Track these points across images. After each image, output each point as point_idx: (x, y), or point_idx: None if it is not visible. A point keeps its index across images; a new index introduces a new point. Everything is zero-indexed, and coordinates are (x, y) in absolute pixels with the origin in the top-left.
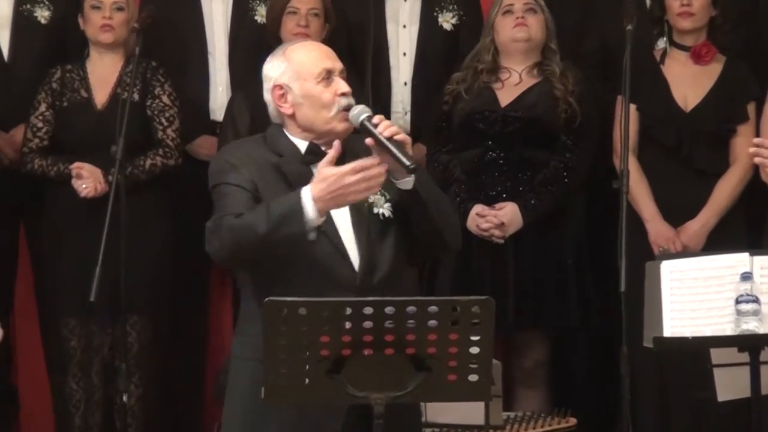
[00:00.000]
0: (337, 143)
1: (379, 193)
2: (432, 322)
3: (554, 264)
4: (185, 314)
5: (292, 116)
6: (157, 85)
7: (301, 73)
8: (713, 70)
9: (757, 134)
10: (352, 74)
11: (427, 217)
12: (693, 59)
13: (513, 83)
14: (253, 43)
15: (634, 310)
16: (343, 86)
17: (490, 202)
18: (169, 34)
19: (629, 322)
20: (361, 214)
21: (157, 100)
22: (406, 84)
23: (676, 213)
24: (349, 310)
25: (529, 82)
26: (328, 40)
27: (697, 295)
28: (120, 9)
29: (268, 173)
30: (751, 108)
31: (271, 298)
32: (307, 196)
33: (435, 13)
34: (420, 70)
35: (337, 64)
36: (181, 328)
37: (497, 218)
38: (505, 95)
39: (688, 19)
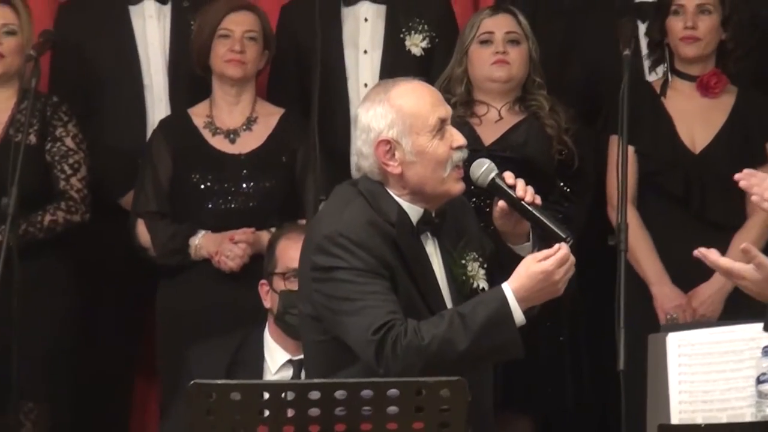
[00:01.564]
0: (564, 249)
1: (472, 259)
2: (392, 409)
3: (546, 338)
4: (98, 401)
5: (400, 175)
6: (58, 125)
7: (414, 126)
8: (724, 103)
9: None
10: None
11: None
12: (700, 91)
13: (492, 119)
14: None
15: (636, 391)
16: (458, 138)
17: None
18: (90, 63)
19: (629, 405)
20: (461, 286)
21: (58, 143)
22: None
23: (687, 274)
24: (291, 395)
25: (512, 118)
26: (271, 70)
27: (711, 373)
28: (10, 33)
29: (387, 249)
30: None
31: (196, 380)
32: (512, 297)
33: (402, 36)
34: None
35: (449, 110)
36: (92, 418)
37: None
38: (487, 132)
39: (693, 45)
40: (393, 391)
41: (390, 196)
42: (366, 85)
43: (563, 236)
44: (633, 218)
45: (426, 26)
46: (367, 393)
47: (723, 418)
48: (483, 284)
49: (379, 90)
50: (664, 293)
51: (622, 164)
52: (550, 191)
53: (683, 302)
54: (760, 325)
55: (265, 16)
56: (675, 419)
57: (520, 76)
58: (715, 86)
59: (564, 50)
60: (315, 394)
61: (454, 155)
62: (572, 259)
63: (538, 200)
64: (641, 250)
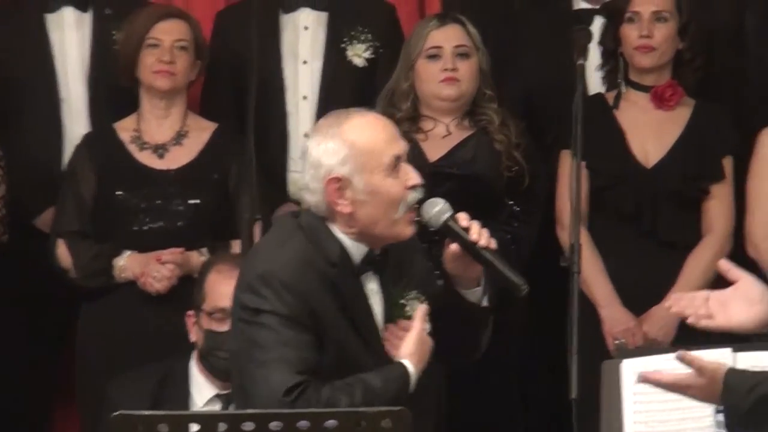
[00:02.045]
0: (422, 312)
1: (412, 298)
2: None
3: (494, 367)
4: None
5: (350, 214)
6: None
7: (368, 164)
8: (680, 116)
9: (737, 195)
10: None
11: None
12: (654, 103)
13: (440, 135)
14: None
15: (589, 420)
16: (413, 177)
17: None
18: (4, 76)
19: None
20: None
21: None
22: (307, 135)
23: (638, 296)
24: (224, 426)
25: (460, 134)
26: (204, 81)
27: (667, 402)
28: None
29: (323, 292)
30: (727, 163)
31: (121, 411)
32: (412, 369)
33: (343, 45)
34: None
35: (405, 146)
36: None
37: None
38: (433, 148)
39: (648, 55)
40: (331, 422)
41: (332, 234)
42: (305, 97)
43: (518, 283)
44: (583, 237)
45: (369, 35)
46: (303, 424)
47: None
48: (426, 325)
49: (332, 122)
50: (613, 316)
51: (575, 181)
52: (499, 210)
53: (631, 326)
54: (719, 351)
55: (197, 24)
56: None
57: (470, 92)
58: (670, 98)
59: (505, 60)
60: (249, 425)
61: (408, 196)
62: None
63: (493, 244)
64: (590, 271)
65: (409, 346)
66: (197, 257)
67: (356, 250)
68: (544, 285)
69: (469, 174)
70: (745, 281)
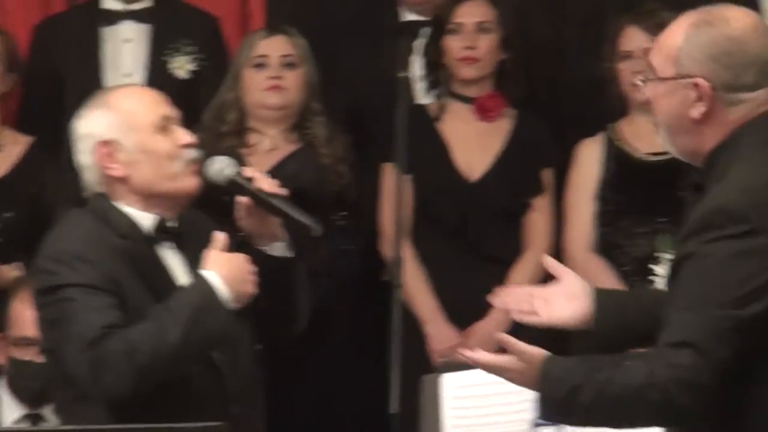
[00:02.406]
0: (222, 236)
1: None
2: None
3: (316, 380)
4: None
5: (125, 179)
6: None
7: (133, 123)
8: (502, 128)
9: (557, 208)
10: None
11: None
12: (477, 114)
13: (266, 149)
14: None
15: None
16: (185, 136)
17: None
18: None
19: None
20: None
21: None
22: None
23: (464, 312)
24: None
25: (286, 148)
26: (22, 95)
27: (488, 416)
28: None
29: (119, 263)
30: (547, 175)
31: None
32: (216, 277)
33: (166, 57)
34: None
35: (174, 112)
36: None
37: None
38: (259, 162)
39: (472, 66)
40: None
41: (117, 208)
42: None
43: (311, 225)
44: (406, 251)
45: (193, 48)
46: None
47: None
48: None
49: (96, 98)
50: (438, 332)
51: (398, 195)
52: (325, 224)
53: (458, 341)
54: None
55: (10, 37)
56: None
57: (296, 102)
58: (492, 109)
59: (332, 73)
60: None
61: (183, 152)
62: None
63: (282, 191)
64: (414, 286)
65: (216, 263)
66: (10, 271)
67: (144, 219)
68: (368, 299)
69: (295, 189)
70: (567, 277)
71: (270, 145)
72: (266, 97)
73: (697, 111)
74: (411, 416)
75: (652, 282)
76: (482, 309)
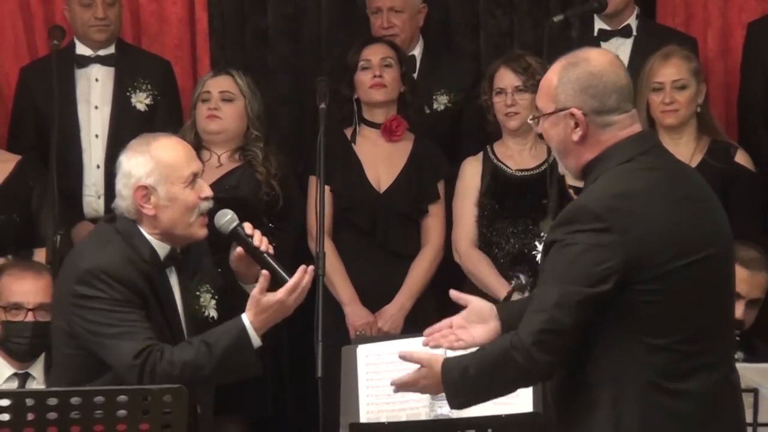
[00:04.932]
0: (265, 274)
1: (205, 291)
2: (121, 413)
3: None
4: None
5: (153, 218)
6: None
7: (169, 176)
8: (404, 148)
9: (448, 213)
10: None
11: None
12: (384, 135)
13: (214, 165)
14: None
15: (332, 396)
16: (207, 190)
17: None
18: None
19: (327, 408)
20: (195, 314)
21: None
22: (98, 167)
23: (375, 296)
24: (31, 401)
25: (230, 165)
26: (10, 123)
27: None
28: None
29: (142, 282)
30: (440, 186)
31: None
32: (250, 326)
33: (128, 93)
34: (113, 151)
35: (201, 165)
36: None
37: None
38: (208, 176)
39: (380, 91)
40: (122, 397)
41: (143, 235)
42: (97, 136)
43: (286, 279)
44: (329, 248)
45: (149, 85)
46: (99, 399)
47: (403, 417)
48: (213, 313)
49: (142, 142)
50: (355, 312)
51: (320, 201)
52: (258, 227)
53: (371, 320)
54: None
55: None
56: (363, 418)
57: (231, 129)
58: (396, 129)
59: (274, 103)
60: (53, 400)
61: (201, 204)
62: (305, 282)
63: (271, 249)
64: (335, 275)
65: (253, 309)
66: (1, 261)
67: (161, 248)
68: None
69: (233, 197)
70: (473, 304)
71: (217, 162)
72: (206, 124)
73: (576, 135)
74: (333, 379)
75: (530, 263)
76: (389, 294)
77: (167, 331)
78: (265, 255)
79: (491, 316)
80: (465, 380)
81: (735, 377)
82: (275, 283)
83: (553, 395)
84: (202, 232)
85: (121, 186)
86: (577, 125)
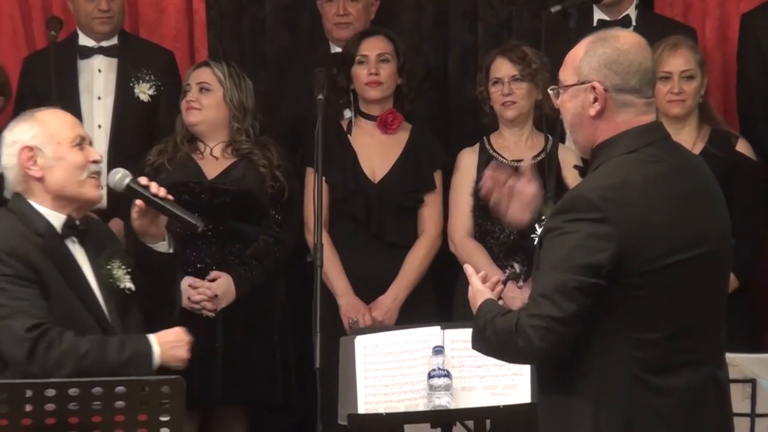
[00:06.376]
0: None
1: (117, 266)
2: (119, 403)
3: (262, 340)
4: None
5: (41, 180)
6: None
7: (54, 136)
8: (400, 138)
9: (445, 204)
10: None
11: (176, 278)
12: (380, 128)
13: (212, 158)
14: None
15: (331, 386)
16: (95, 154)
17: (197, 275)
18: None
19: (325, 399)
20: (110, 287)
21: None
22: (101, 157)
23: (370, 287)
24: (29, 392)
25: (231, 158)
26: (13, 114)
27: (391, 369)
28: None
29: (40, 257)
30: (437, 176)
31: None
32: (155, 341)
33: (131, 84)
34: (116, 142)
35: (88, 134)
36: None
37: (210, 290)
38: (210, 167)
39: (376, 88)
40: (120, 388)
41: (34, 208)
42: (100, 126)
43: (195, 223)
44: (325, 240)
45: (152, 76)
46: (97, 390)
47: (401, 408)
48: (129, 284)
49: (25, 114)
50: (349, 303)
51: (317, 192)
52: (264, 219)
53: (364, 310)
54: (431, 329)
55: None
56: (362, 409)
57: (210, 119)
58: (392, 122)
59: (278, 95)
60: (51, 392)
61: (90, 166)
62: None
63: (170, 196)
64: (330, 266)
65: (164, 335)
66: None
67: (56, 218)
68: (297, 277)
69: (240, 190)
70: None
71: (212, 154)
72: (186, 116)
73: (593, 109)
74: (332, 369)
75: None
76: (384, 285)
77: (80, 305)
78: (165, 203)
79: None
80: (482, 335)
81: (723, 375)
82: (182, 226)
83: (540, 383)
84: (94, 192)
85: (6, 157)
86: (596, 100)
